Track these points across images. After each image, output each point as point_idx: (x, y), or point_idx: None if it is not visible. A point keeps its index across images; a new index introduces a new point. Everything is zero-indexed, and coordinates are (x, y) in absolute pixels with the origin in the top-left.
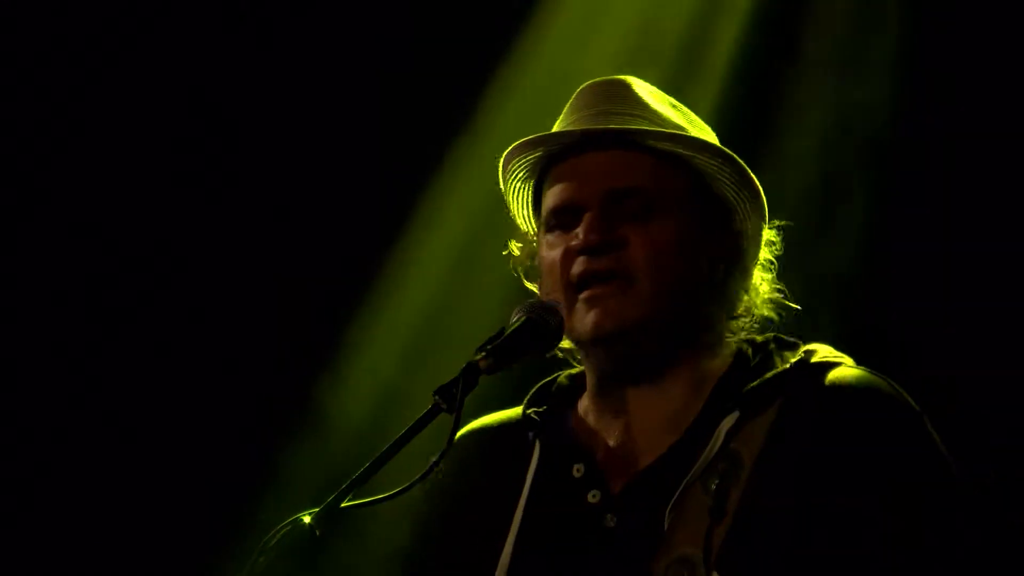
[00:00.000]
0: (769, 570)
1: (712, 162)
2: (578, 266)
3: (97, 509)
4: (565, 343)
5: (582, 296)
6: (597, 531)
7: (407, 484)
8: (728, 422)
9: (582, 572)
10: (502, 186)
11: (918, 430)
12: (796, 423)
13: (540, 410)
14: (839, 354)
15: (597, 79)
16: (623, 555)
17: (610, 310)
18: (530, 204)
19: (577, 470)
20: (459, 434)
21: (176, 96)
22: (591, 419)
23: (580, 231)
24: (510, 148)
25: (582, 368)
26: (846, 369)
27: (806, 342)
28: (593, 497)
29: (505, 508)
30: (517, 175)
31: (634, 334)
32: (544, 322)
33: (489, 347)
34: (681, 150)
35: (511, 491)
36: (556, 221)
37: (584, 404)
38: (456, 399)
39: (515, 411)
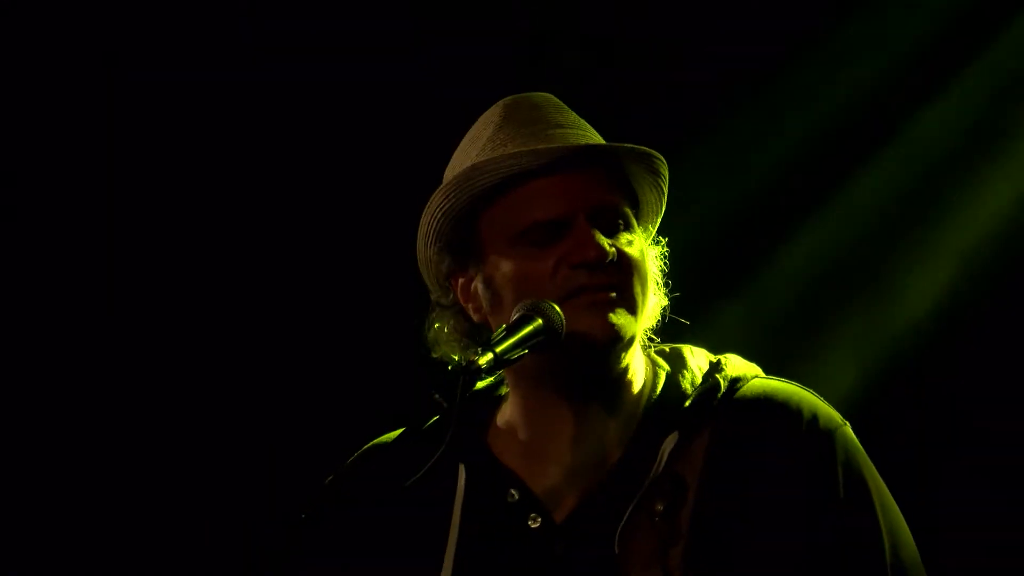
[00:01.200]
0: None
1: (657, 180)
2: (577, 279)
3: (102, 509)
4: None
5: (583, 302)
6: (545, 559)
7: (407, 482)
8: (670, 443)
9: None
10: (445, 201)
11: (845, 440)
12: (733, 441)
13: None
14: (750, 364)
15: (521, 95)
16: None
17: (614, 316)
18: (457, 222)
19: (512, 495)
20: (361, 454)
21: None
22: (521, 438)
23: (580, 246)
24: (485, 160)
25: (483, 384)
26: (772, 383)
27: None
28: (534, 522)
29: (435, 538)
30: (465, 192)
31: (627, 344)
32: (548, 319)
33: (491, 345)
34: (645, 168)
35: (438, 519)
36: (532, 236)
37: (506, 420)
38: (456, 397)
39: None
